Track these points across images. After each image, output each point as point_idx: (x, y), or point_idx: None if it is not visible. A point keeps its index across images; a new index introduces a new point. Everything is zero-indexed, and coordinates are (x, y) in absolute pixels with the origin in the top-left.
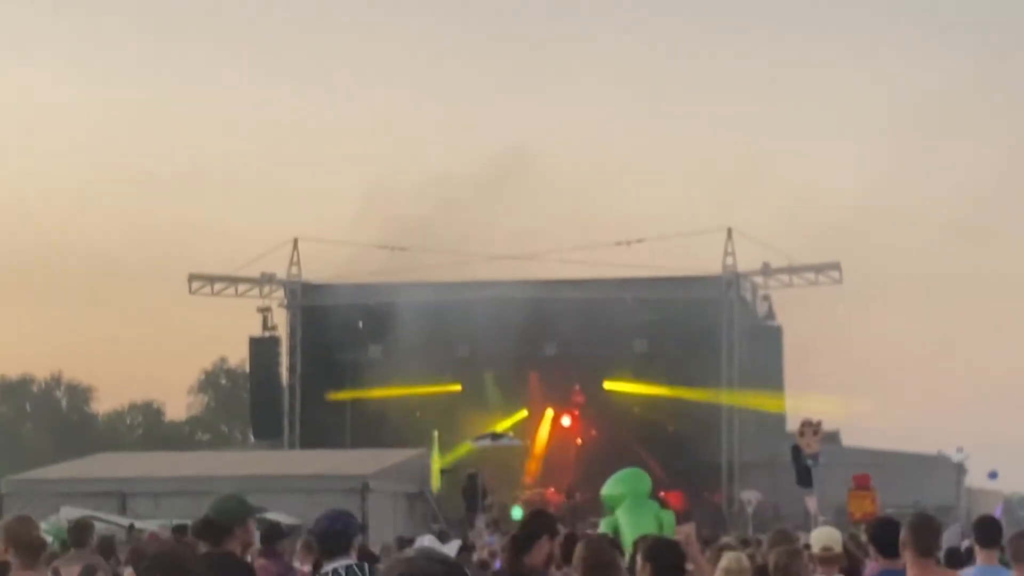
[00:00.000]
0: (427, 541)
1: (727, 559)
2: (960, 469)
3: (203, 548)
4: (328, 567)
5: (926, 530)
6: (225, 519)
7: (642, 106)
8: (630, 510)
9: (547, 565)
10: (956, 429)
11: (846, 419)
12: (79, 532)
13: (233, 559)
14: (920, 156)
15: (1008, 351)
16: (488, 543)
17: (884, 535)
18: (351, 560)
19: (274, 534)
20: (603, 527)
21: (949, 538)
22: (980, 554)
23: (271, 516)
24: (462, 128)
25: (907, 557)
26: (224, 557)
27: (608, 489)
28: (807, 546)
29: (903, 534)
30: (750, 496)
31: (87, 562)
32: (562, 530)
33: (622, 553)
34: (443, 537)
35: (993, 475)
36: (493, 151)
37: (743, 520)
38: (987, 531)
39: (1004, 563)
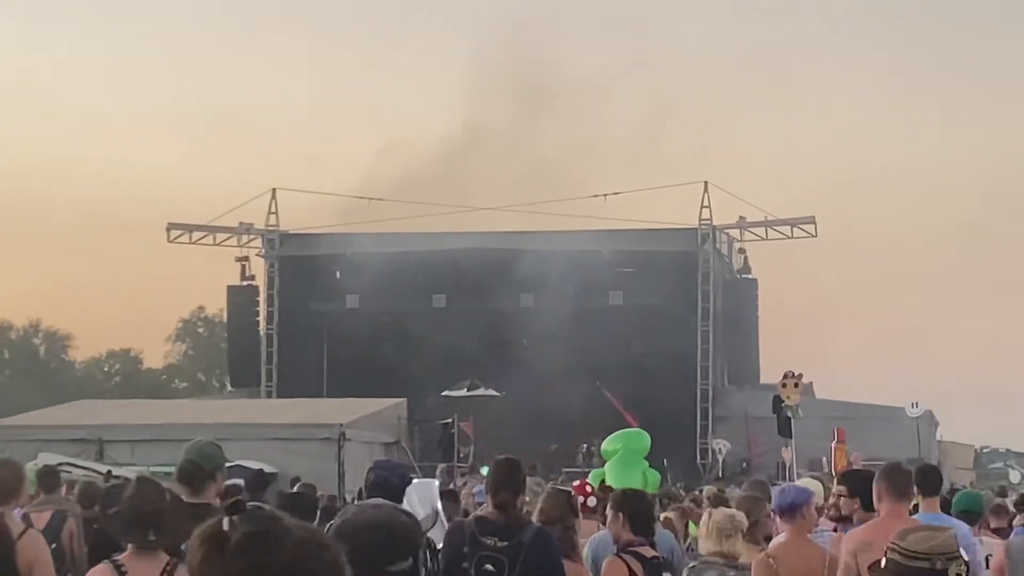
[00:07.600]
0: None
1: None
2: (931, 422)
3: (181, 493)
4: None
5: (899, 474)
6: (209, 465)
7: (620, 60)
8: (619, 464)
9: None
10: (924, 382)
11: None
12: (48, 478)
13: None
14: (897, 113)
15: (972, 308)
16: (476, 494)
17: (867, 488)
18: None
19: (261, 483)
20: (591, 478)
21: None
22: (923, 502)
23: (246, 464)
24: (437, 84)
25: (883, 506)
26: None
27: (606, 444)
28: None
29: (877, 483)
30: (720, 444)
31: (58, 507)
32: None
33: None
34: None
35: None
36: (470, 103)
37: (716, 471)
38: (930, 479)
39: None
